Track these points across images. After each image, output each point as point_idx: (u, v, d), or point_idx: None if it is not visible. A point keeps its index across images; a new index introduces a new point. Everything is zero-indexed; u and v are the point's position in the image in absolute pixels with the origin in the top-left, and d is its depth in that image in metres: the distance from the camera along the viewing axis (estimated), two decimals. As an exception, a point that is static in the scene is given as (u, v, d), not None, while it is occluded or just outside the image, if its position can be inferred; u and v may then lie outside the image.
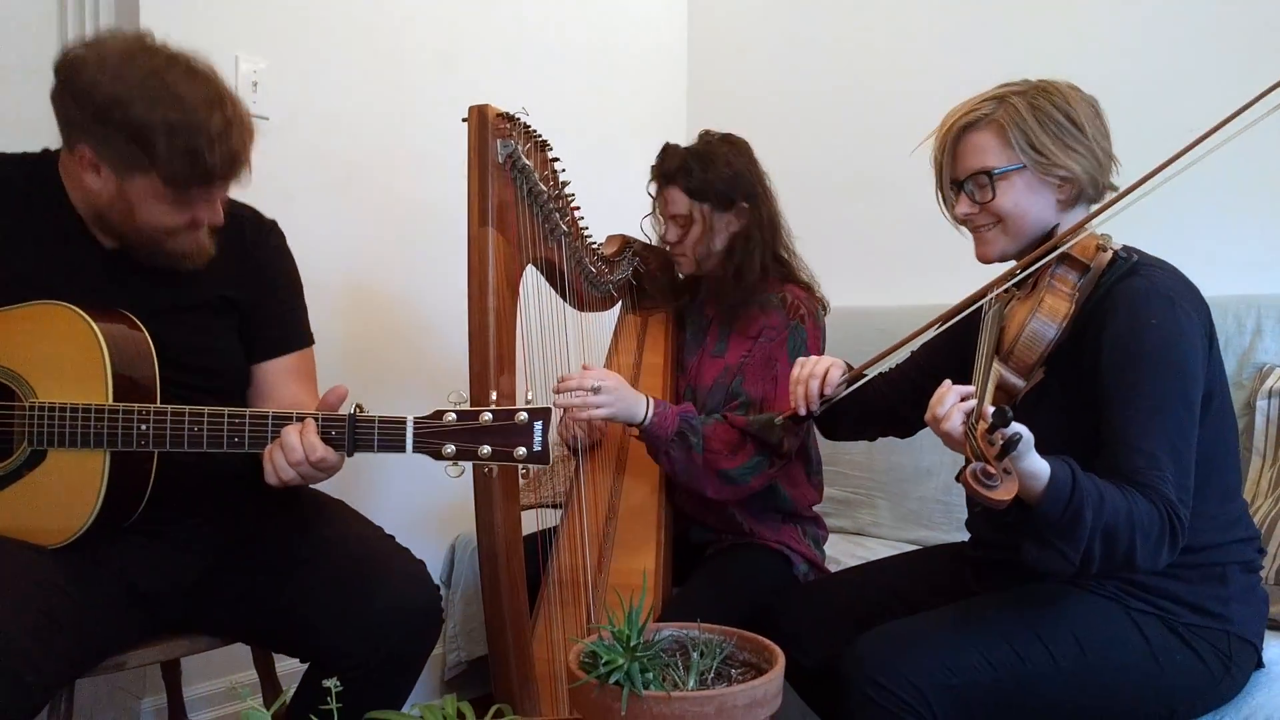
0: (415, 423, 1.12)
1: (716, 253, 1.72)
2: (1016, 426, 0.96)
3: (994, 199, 1.25)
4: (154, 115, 1.14)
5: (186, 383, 1.28)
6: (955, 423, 1.03)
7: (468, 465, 1.12)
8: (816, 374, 1.40)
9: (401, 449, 1.12)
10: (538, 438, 1.09)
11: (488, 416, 1.10)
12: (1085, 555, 1.04)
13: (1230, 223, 1.97)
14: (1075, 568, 1.05)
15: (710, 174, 1.68)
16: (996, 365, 1.14)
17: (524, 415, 1.09)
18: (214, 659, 1.62)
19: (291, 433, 1.14)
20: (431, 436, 1.11)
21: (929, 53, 2.42)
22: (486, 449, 1.10)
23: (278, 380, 1.41)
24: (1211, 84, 1.94)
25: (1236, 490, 1.26)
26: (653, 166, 1.76)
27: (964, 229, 1.34)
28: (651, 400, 1.56)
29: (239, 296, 1.38)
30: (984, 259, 1.31)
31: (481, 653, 2.11)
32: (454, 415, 1.11)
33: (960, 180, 1.28)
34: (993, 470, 0.93)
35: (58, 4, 1.82)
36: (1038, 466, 1.02)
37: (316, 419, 1.14)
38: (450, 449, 1.11)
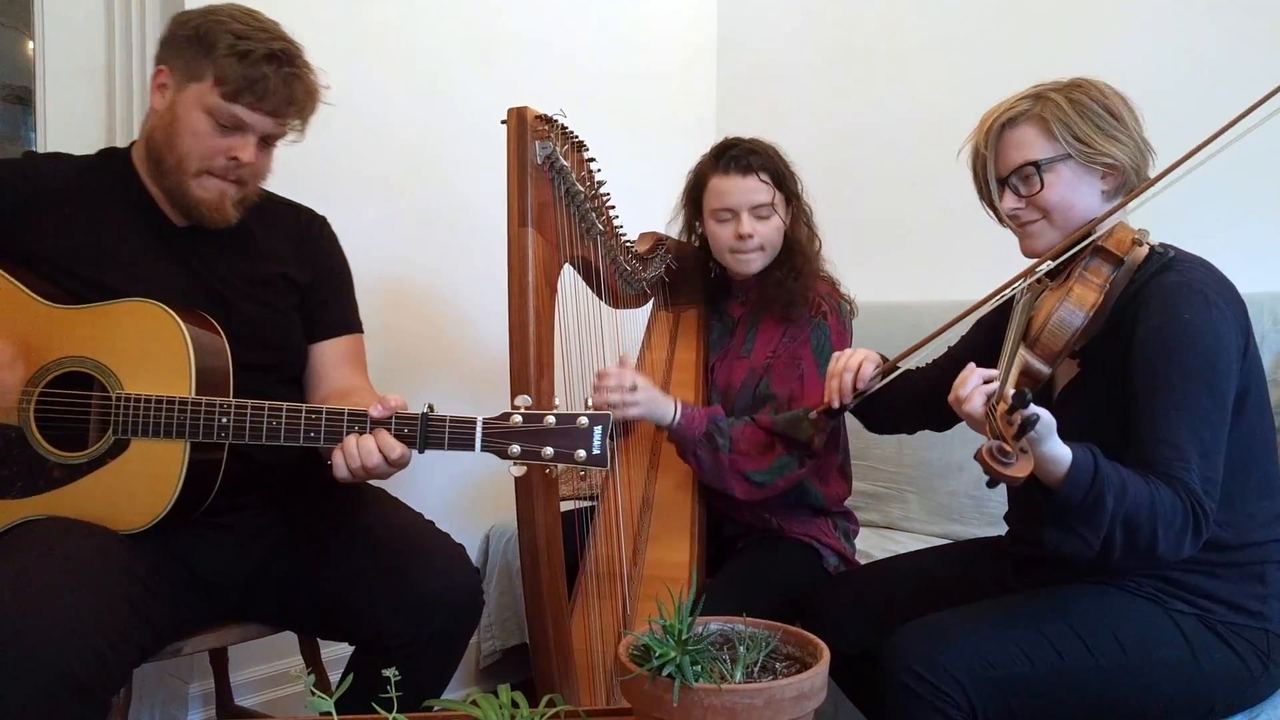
0: (484, 423, 1.16)
1: (778, 247, 1.72)
2: (1036, 409, 0.98)
3: (1041, 190, 1.25)
4: (229, 25, 1.25)
5: (253, 362, 1.32)
6: (977, 404, 1.06)
7: (529, 464, 1.16)
8: (850, 367, 1.42)
9: (471, 447, 1.16)
10: (597, 441, 1.13)
11: (551, 420, 1.14)
12: (1106, 541, 1.05)
13: (1269, 218, 1.96)
14: (1095, 552, 1.06)
15: (782, 163, 1.71)
16: (1022, 351, 1.16)
17: (585, 420, 1.13)
18: (260, 645, 1.67)
19: (367, 440, 1.18)
20: (499, 437, 1.15)
21: (959, 49, 2.41)
22: (549, 450, 1.13)
23: (332, 362, 1.46)
24: (1243, 75, 1.93)
25: (1276, 488, 1.27)
26: (715, 161, 1.71)
27: (1008, 226, 1.35)
28: (680, 402, 1.59)
29: (298, 276, 1.44)
30: (1030, 254, 1.31)
31: (515, 641, 2.15)
32: (520, 418, 1.15)
33: (1004, 177, 1.29)
34: (1008, 448, 0.96)
35: (104, 10, 1.86)
36: (1059, 451, 1.04)
37: (389, 423, 1.18)
38: (516, 449, 1.14)
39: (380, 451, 1.18)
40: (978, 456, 0.97)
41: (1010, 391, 0.99)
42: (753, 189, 1.68)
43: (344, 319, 1.51)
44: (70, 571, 1.10)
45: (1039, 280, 1.28)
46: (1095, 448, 1.07)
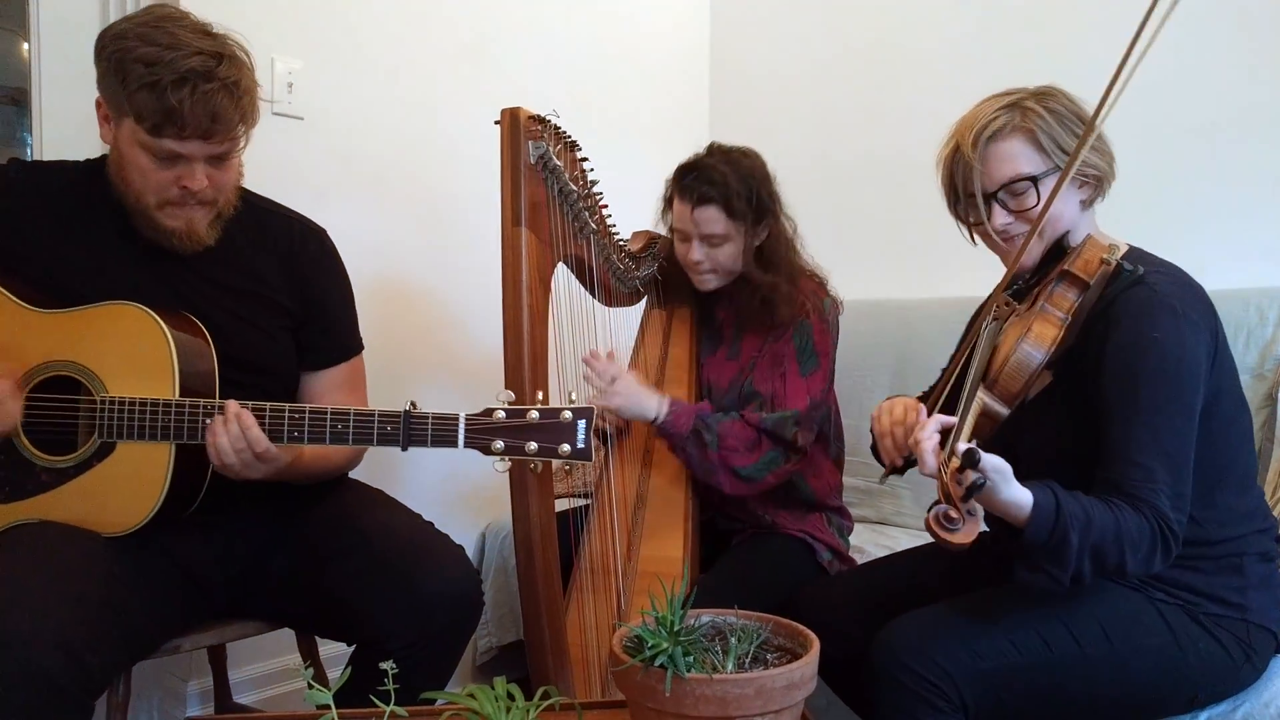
0: (467, 420, 1.16)
1: (738, 268, 1.70)
2: (989, 461, 0.97)
3: (1038, 203, 1.22)
4: (140, 50, 1.16)
5: (239, 380, 1.32)
6: (930, 462, 1.02)
7: (513, 460, 1.16)
8: (897, 420, 1.28)
9: (454, 444, 1.16)
10: (581, 435, 1.13)
11: (534, 415, 1.14)
12: (1075, 574, 1.06)
13: (1253, 214, 1.97)
14: (1065, 587, 1.08)
15: (745, 189, 1.64)
16: (981, 393, 1.12)
17: (568, 414, 1.13)
18: (257, 643, 1.68)
19: (231, 424, 1.18)
20: (482, 433, 1.15)
21: (949, 45, 2.43)
22: (533, 445, 1.13)
23: (325, 388, 1.45)
24: (1222, 82, 1.94)
25: (1252, 482, 1.28)
26: (676, 184, 1.69)
27: (984, 242, 1.32)
28: (666, 400, 1.60)
29: (289, 304, 1.41)
30: (1023, 269, 1.27)
31: (511, 639, 2.16)
32: (503, 413, 1.15)
33: (993, 191, 1.25)
34: (954, 514, 0.94)
35: (99, 11, 1.87)
36: (1019, 496, 1.04)
37: (372, 417, 1.19)
38: (499, 445, 1.14)
39: (244, 440, 1.18)
40: (926, 524, 0.95)
41: (961, 447, 0.96)
42: (704, 220, 1.64)
43: (342, 346, 1.48)
44: (47, 576, 1.10)
45: (1006, 304, 1.25)
46: (1056, 485, 1.07)
